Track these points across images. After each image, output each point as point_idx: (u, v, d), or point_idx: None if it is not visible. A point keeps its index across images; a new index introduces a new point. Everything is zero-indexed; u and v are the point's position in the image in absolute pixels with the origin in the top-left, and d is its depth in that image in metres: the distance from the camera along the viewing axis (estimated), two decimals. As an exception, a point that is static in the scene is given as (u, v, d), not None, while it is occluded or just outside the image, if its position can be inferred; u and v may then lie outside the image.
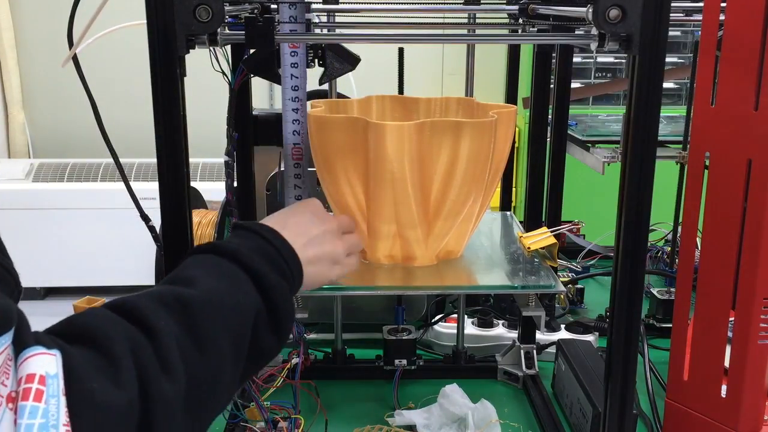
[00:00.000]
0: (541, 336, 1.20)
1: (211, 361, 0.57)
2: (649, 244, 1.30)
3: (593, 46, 0.72)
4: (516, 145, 1.19)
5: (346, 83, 1.81)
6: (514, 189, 1.55)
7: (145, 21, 0.66)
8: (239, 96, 1.00)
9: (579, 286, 1.43)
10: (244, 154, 1.10)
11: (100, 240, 3.31)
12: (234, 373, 0.60)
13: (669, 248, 1.44)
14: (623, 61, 3.10)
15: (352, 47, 0.99)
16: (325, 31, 1.00)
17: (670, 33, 1.53)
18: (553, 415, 1.04)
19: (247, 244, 0.68)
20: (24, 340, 0.45)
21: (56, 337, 0.48)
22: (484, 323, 1.25)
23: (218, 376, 0.58)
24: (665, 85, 1.08)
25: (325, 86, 1.12)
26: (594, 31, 0.72)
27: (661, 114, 0.71)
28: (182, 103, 0.68)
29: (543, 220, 1.16)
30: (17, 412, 0.42)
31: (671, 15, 0.73)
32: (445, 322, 1.25)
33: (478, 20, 1.15)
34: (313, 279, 0.75)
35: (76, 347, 0.47)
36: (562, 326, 1.26)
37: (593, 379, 0.99)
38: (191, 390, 0.54)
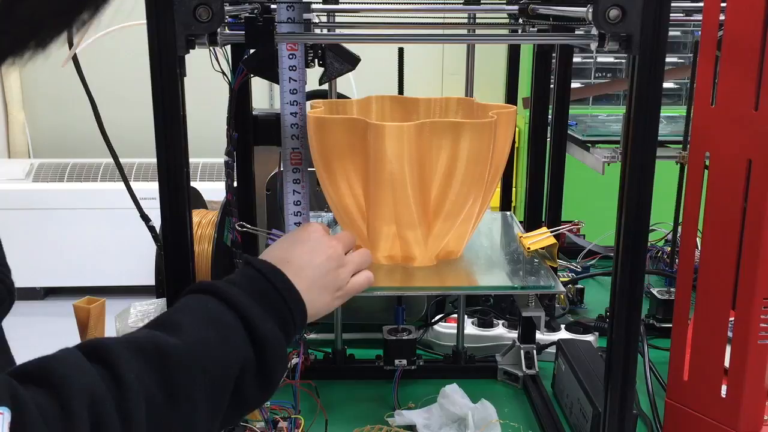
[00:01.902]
0: (541, 336, 1.20)
1: (183, 416, 0.56)
2: (649, 244, 1.30)
3: (593, 46, 0.72)
4: (516, 145, 1.19)
5: (346, 83, 1.81)
6: (514, 189, 1.55)
7: (145, 21, 0.66)
8: (239, 96, 1.00)
9: (579, 286, 1.43)
10: (244, 154, 1.10)
11: (100, 240, 3.31)
12: (209, 425, 0.59)
13: (669, 248, 1.44)
14: (623, 61, 3.09)
15: (352, 47, 0.99)
16: (325, 31, 1.00)
17: (670, 33, 1.53)
18: (553, 415, 1.04)
19: (249, 287, 0.66)
20: None
21: (23, 377, 0.48)
22: (484, 323, 1.25)
23: (189, 430, 0.57)
24: (665, 85, 1.08)
25: (325, 86, 1.12)
26: (594, 31, 0.72)
27: (661, 114, 0.71)
28: (182, 103, 0.68)
29: (543, 220, 1.16)
30: None
31: (671, 15, 0.73)
32: (445, 322, 1.25)
33: (478, 20, 1.15)
34: (317, 310, 0.74)
35: (35, 393, 0.47)
36: (562, 326, 1.26)
37: (593, 379, 0.99)
38: None
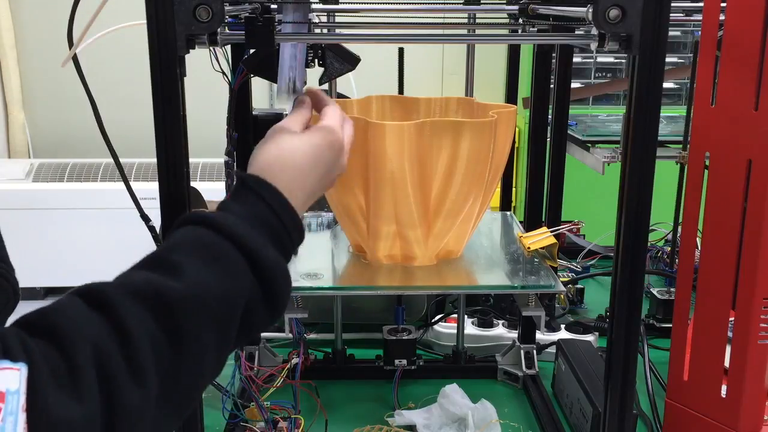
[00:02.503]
0: (541, 336, 1.20)
1: (192, 358, 0.55)
2: (649, 244, 1.30)
3: (593, 46, 0.72)
4: (516, 145, 1.19)
5: (346, 83, 1.81)
6: (514, 189, 1.55)
7: (145, 21, 0.66)
8: (239, 96, 1.00)
9: (579, 286, 1.43)
10: (244, 154, 1.10)
11: (100, 240, 3.31)
12: (218, 360, 0.58)
13: (669, 248, 1.44)
14: (623, 61, 3.10)
15: (352, 47, 0.99)
16: (325, 31, 1.00)
17: (670, 33, 1.53)
18: (553, 415, 1.04)
19: (246, 213, 0.63)
20: None
21: (27, 329, 0.47)
22: (484, 323, 1.25)
23: (199, 370, 0.56)
24: (665, 85, 1.08)
25: (325, 86, 1.12)
26: (594, 31, 0.72)
27: (661, 114, 0.71)
28: (182, 103, 0.68)
29: (543, 220, 1.16)
30: None
31: (671, 15, 0.73)
32: (445, 322, 1.25)
33: (478, 20, 1.15)
34: (311, 203, 0.74)
35: (42, 347, 0.47)
36: (562, 326, 1.26)
37: (593, 379, 0.99)
38: (167, 391, 0.52)
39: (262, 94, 3.51)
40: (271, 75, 0.89)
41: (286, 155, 0.70)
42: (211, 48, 0.73)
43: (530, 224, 1.13)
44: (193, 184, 0.75)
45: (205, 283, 0.57)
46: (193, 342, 0.55)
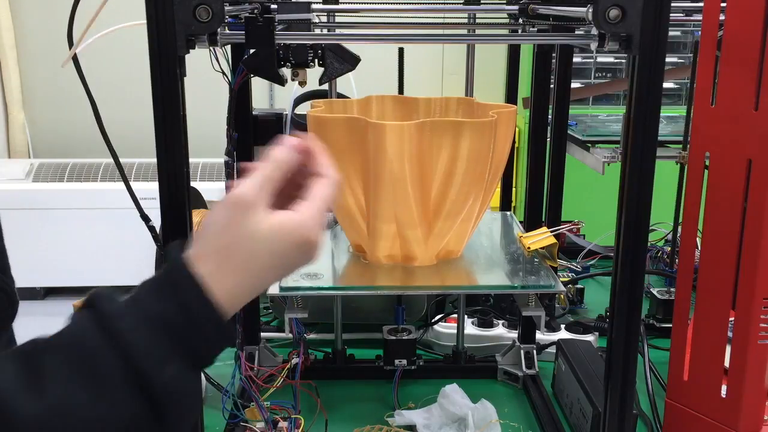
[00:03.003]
0: (541, 336, 1.20)
1: None
2: (649, 244, 1.30)
3: (593, 46, 0.72)
4: (516, 145, 1.19)
5: (346, 83, 1.80)
6: (514, 189, 1.55)
7: (145, 21, 0.66)
8: (239, 96, 1.00)
9: (579, 286, 1.43)
10: (244, 154, 1.10)
11: (100, 240, 3.31)
12: None
13: (669, 248, 1.44)
14: (623, 61, 3.10)
15: (352, 47, 0.99)
16: (325, 31, 1.00)
17: (670, 33, 1.53)
18: (553, 415, 1.04)
19: (153, 314, 0.50)
20: None
21: None
22: (484, 323, 1.25)
23: None
24: (665, 85, 1.08)
25: (325, 86, 1.12)
26: (594, 31, 0.72)
27: (661, 114, 0.71)
28: (182, 103, 0.68)
29: (543, 220, 1.16)
30: None
31: (671, 15, 0.73)
32: (445, 322, 1.25)
33: (478, 20, 1.15)
34: (263, 290, 0.58)
35: None
36: (562, 326, 1.26)
37: (593, 379, 0.99)
38: None
39: (262, 94, 3.51)
40: (271, 75, 0.89)
41: (241, 246, 0.54)
42: (211, 48, 0.73)
43: (530, 224, 1.13)
44: (193, 184, 0.75)
45: (69, 405, 0.46)
46: None
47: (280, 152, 0.58)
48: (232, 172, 1.07)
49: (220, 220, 0.55)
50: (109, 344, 0.48)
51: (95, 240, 3.31)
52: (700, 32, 0.88)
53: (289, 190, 0.59)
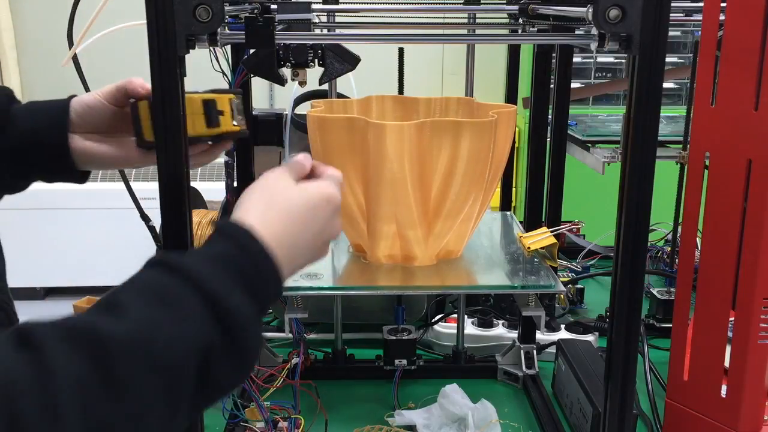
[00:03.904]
0: (541, 336, 1.20)
1: (129, 409, 0.48)
2: (649, 244, 1.30)
3: (593, 46, 0.72)
4: (516, 145, 1.19)
5: (346, 83, 1.80)
6: (514, 189, 1.55)
7: (145, 21, 0.66)
8: (239, 96, 1.00)
9: (579, 286, 1.43)
10: (244, 154, 1.10)
11: (100, 240, 3.31)
12: (170, 413, 0.51)
13: (669, 248, 1.44)
14: (623, 61, 3.08)
15: (352, 47, 0.99)
16: (325, 31, 1.00)
17: (670, 33, 1.53)
18: (553, 415, 1.04)
19: (212, 253, 0.57)
20: None
21: None
22: (484, 323, 1.25)
23: (139, 420, 0.49)
24: (665, 85, 1.08)
25: (325, 86, 1.12)
26: (594, 31, 0.72)
27: (661, 114, 0.71)
28: (182, 103, 0.68)
29: (543, 220, 1.16)
30: None
31: (671, 15, 0.73)
32: (445, 322, 1.25)
33: (478, 20, 1.15)
34: (299, 269, 0.66)
35: None
36: (562, 326, 1.26)
37: (593, 379, 0.99)
38: None
39: (262, 94, 3.51)
40: (271, 75, 0.89)
41: (279, 201, 0.64)
42: (211, 48, 0.73)
43: (530, 224, 1.13)
44: (193, 184, 0.75)
45: (149, 327, 0.51)
46: (132, 389, 0.48)
47: (298, 155, 0.70)
48: (231, 172, 1.07)
49: (257, 188, 0.65)
50: (179, 277, 0.53)
51: (95, 240, 3.31)
52: (700, 32, 0.88)
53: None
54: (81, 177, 0.84)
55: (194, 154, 0.80)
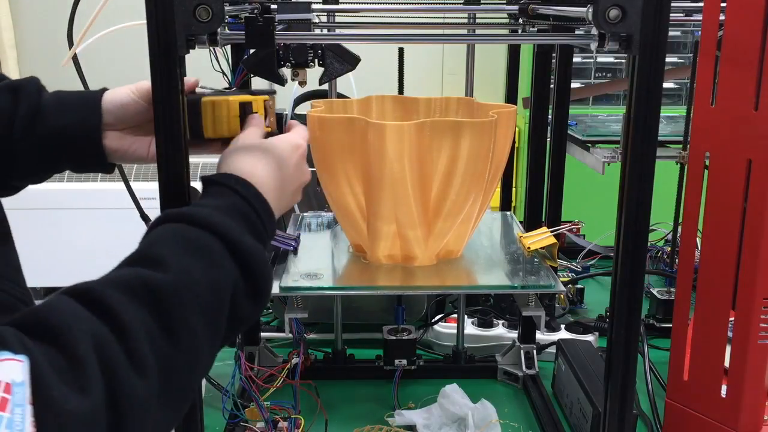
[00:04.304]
0: (541, 336, 1.20)
1: (187, 348, 0.54)
2: (649, 244, 1.30)
3: (593, 46, 0.72)
4: (516, 145, 1.19)
5: (346, 83, 1.80)
6: (514, 189, 1.55)
7: (145, 21, 0.66)
8: (239, 96, 1.00)
9: (579, 286, 1.43)
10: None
11: (100, 240, 3.30)
12: (211, 352, 0.58)
13: (669, 248, 1.44)
14: (623, 61, 3.09)
15: (352, 47, 0.99)
16: (325, 31, 1.00)
17: (670, 33, 1.53)
18: (553, 415, 1.04)
19: (219, 204, 0.63)
20: None
21: (23, 329, 0.45)
22: (484, 323, 1.25)
23: (195, 361, 0.55)
24: (665, 85, 1.08)
25: (325, 86, 1.12)
26: (594, 31, 0.71)
27: (661, 114, 0.71)
28: (182, 102, 0.68)
29: (543, 220, 1.16)
30: None
31: (671, 15, 0.73)
32: (445, 322, 1.25)
33: (478, 20, 1.15)
34: (283, 211, 0.74)
35: (39, 346, 0.45)
36: (562, 326, 1.26)
37: (593, 379, 0.99)
38: (166, 383, 0.51)
39: (262, 94, 3.51)
40: (271, 75, 0.89)
41: (257, 153, 0.71)
42: (211, 48, 0.73)
43: (530, 224, 1.13)
44: (193, 184, 0.75)
45: (191, 273, 0.56)
46: (187, 333, 0.54)
47: (252, 116, 0.79)
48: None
49: (236, 148, 0.72)
50: (200, 228, 0.59)
51: (95, 240, 3.30)
52: (700, 32, 0.88)
53: None
54: (111, 168, 0.86)
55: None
